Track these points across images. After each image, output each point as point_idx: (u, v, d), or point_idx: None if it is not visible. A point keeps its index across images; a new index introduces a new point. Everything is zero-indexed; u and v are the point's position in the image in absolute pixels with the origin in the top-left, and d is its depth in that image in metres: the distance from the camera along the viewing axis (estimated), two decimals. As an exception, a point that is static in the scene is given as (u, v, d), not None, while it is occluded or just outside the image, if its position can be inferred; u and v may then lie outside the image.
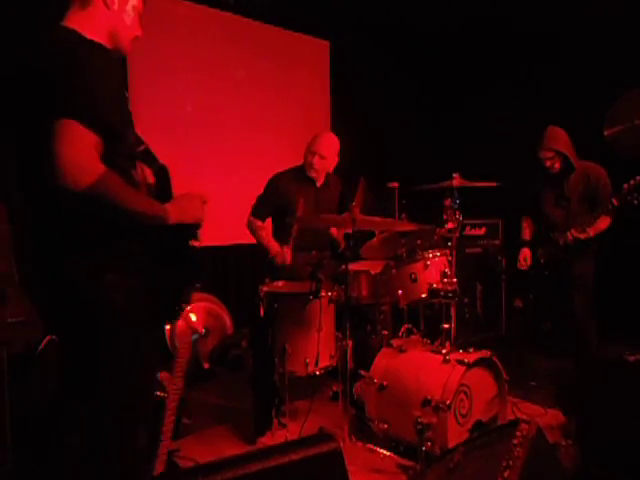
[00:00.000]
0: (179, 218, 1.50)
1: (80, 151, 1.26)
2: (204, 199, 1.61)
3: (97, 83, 1.36)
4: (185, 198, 1.56)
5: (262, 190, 3.15)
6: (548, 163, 3.29)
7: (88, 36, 1.45)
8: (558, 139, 3.26)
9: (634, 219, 3.22)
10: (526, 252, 3.48)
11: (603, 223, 3.13)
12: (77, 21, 1.48)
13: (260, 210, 3.14)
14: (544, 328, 3.67)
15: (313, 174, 3.11)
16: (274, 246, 3.03)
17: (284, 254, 2.97)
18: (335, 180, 3.32)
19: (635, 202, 2.88)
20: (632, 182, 2.89)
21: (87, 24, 1.49)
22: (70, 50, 1.38)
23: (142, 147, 1.60)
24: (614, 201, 2.98)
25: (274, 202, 3.09)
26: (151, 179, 1.61)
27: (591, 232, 3.13)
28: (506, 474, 1.22)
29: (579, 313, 3.22)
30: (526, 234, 3.57)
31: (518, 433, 1.34)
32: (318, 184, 3.18)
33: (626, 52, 3.97)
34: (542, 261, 3.42)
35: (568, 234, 3.19)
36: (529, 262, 3.45)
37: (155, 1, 4.04)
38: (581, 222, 3.16)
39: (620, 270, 3.94)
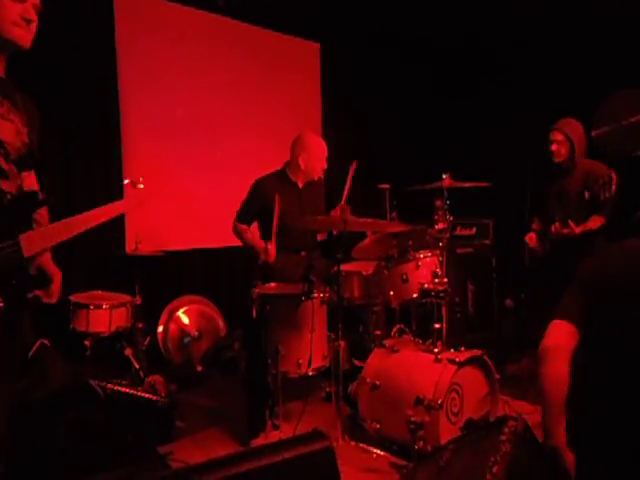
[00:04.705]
0: None
1: None
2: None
3: None
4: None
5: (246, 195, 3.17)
6: (554, 147, 3.18)
7: None
8: (572, 127, 3.19)
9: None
10: (532, 234, 3.44)
11: (594, 222, 3.05)
12: None
13: (245, 215, 3.16)
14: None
15: (315, 177, 3.19)
16: (259, 243, 3.03)
17: (268, 250, 2.97)
18: (317, 181, 3.35)
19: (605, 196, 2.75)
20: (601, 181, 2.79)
21: None
22: None
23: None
24: (586, 194, 2.96)
25: (258, 206, 3.10)
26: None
27: (577, 229, 3.03)
28: (495, 469, 1.25)
29: None
30: (536, 226, 3.51)
31: (506, 429, 1.36)
32: (300, 186, 3.21)
33: (614, 54, 4.02)
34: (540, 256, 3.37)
35: (552, 227, 3.12)
36: (535, 239, 3.39)
37: (144, 3, 4.04)
38: (575, 219, 3.05)
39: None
